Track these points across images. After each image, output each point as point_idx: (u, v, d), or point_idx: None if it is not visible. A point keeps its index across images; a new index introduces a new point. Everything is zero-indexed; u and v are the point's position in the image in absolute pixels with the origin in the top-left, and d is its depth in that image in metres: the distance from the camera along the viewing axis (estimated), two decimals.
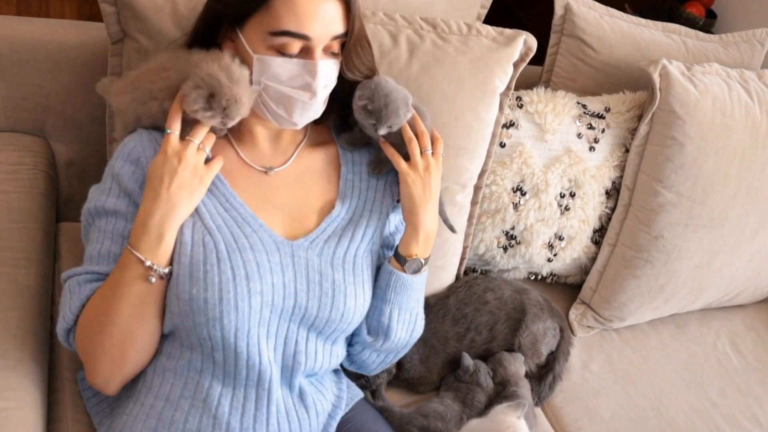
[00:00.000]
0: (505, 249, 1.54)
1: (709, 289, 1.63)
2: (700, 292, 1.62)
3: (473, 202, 1.45)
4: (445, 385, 1.37)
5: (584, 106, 1.52)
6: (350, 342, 1.20)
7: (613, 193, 1.56)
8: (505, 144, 1.47)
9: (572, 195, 1.52)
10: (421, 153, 1.14)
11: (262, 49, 1.02)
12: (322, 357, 1.11)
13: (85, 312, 1.01)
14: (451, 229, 1.26)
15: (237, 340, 1.01)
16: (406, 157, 1.14)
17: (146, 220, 0.98)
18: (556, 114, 1.49)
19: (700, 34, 1.67)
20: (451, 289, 1.46)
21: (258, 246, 1.04)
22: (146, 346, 1.04)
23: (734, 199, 1.52)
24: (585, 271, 1.64)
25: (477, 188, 1.44)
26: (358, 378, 1.28)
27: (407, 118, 1.12)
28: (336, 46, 1.05)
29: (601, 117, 1.53)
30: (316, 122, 1.14)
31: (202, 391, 1.03)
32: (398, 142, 1.15)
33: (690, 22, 2.19)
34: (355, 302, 1.10)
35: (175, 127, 1.01)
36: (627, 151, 1.54)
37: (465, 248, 1.49)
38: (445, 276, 1.47)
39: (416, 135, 1.14)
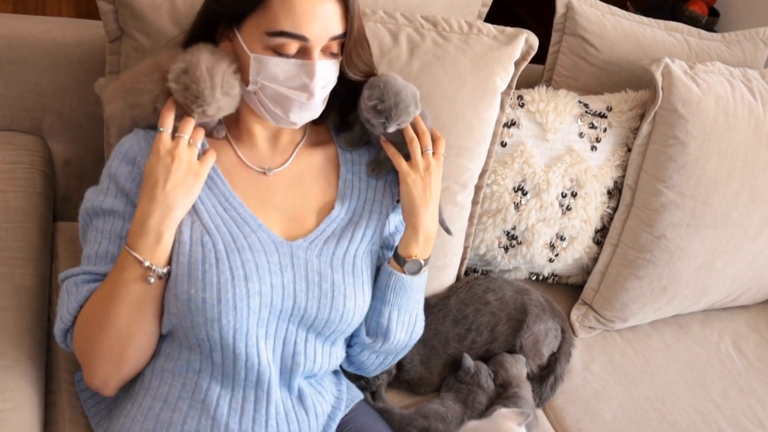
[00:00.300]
0: (506, 249, 1.53)
1: (711, 289, 1.63)
2: (703, 293, 1.62)
3: (474, 202, 1.45)
4: (445, 386, 1.37)
5: (586, 105, 1.52)
6: (349, 343, 1.20)
7: (615, 192, 1.56)
8: (506, 143, 1.46)
9: (574, 195, 1.51)
10: (422, 153, 1.14)
11: (259, 48, 1.01)
12: (321, 358, 1.11)
13: (83, 313, 1.01)
14: (447, 231, 1.26)
15: (235, 341, 1.01)
16: (407, 157, 1.14)
17: (144, 221, 0.98)
18: (558, 113, 1.48)
19: (703, 32, 1.67)
20: (451, 290, 1.46)
21: (257, 246, 1.04)
22: (144, 347, 1.04)
23: (737, 198, 1.51)
24: (587, 271, 1.63)
25: (478, 188, 1.44)
26: (357, 379, 1.28)
27: (416, 114, 1.12)
28: (335, 47, 1.05)
29: (602, 116, 1.52)
30: (315, 122, 1.13)
31: (201, 392, 1.03)
32: (399, 141, 1.14)
33: (692, 21, 2.19)
34: (354, 303, 1.10)
35: (167, 125, 1.01)
36: (629, 150, 1.54)
37: (466, 248, 1.49)
38: (446, 276, 1.46)
39: (417, 134, 1.14)
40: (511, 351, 1.40)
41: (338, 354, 1.16)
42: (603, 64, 1.58)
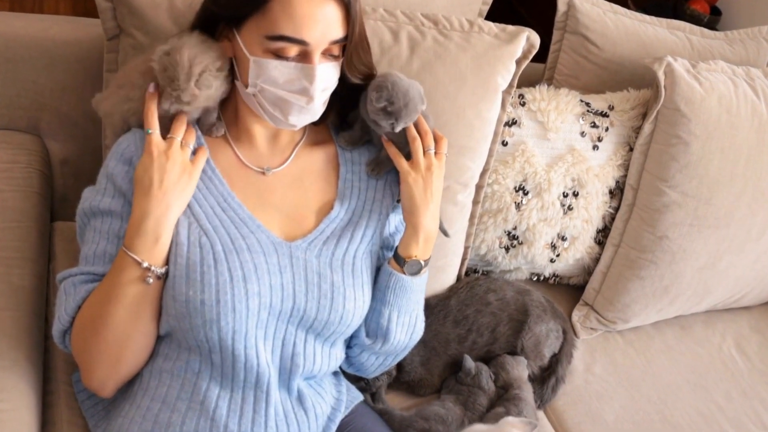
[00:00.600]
0: (507, 249, 1.53)
1: (714, 290, 1.62)
2: (706, 294, 1.62)
3: (475, 202, 1.44)
4: (446, 387, 1.37)
5: (588, 104, 1.52)
6: (348, 344, 1.20)
7: (616, 192, 1.56)
8: (507, 142, 1.46)
9: (575, 194, 1.50)
10: (424, 152, 1.13)
11: (258, 51, 1.01)
12: (321, 359, 1.11)
13: (81, 314, 1.01)
14: (445, 233, 1.25)
15: (234, 342, 1.01)
16: (408, 157, 1.14)
17: (141, 222, 0.98)
18: (559, 112, 1.48)
19: (705, 31, 1.67)
20: (452, 290, 1.45)
21: (255, 247, 1.04)
22: (142, 348, 1.04)
23: (740, 198, 1.51)
24: (588, 271, 1.63)
25: (479, 187, 1.43)
26: (357, 380, 1.28)
27: (423, 110, 1.13)
28: (336, 49, 1.04)
29: (604, 115, 1.52)
30: (315, 121, 1.12)
31: (200, 392, 1.02)
32: (400, 140, 1.14)
33: (694, 19, 2.18)
34: (354, 304, 1.09)
35: (154, 126, 1.01)
36: (631, 149, 1.54)
37: (466, 248, 1.49)
38: (446, 277, 1.46)
39: (419, 133, 1.13)
40: (512, 352, 1.39)
41: (338, 355, 1.15)
42: (605, 62, 1.58)
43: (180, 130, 1.02)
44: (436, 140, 1.15)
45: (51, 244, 1.38)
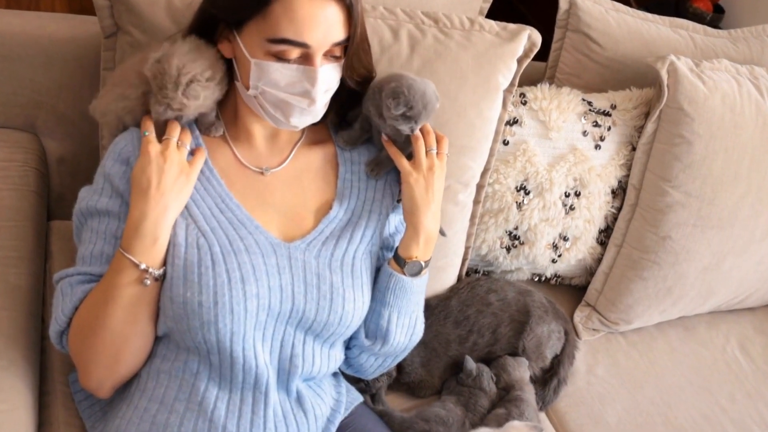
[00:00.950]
0: (509, 249, 1.52)
1: (717, 291, 1.62)
2: (709, 295, 1.61)
3: (476, 202, 1.44)
4: (446, 389, 1.36)
5: (590, 103, 1.51)
6: (348, 345, 1.19)
7: (619, 192, 1.55)
8: (508, 142, 1.45)
9: (577, 194, 1.50)
10: (426, 152, 1.13)
11: (260, 54, 1.01)
12: (320, 361, 1.11)
13: (78, 315, 1.01)
14: (442, 232, 1.25)
15: (232, 343, 1.01)
16: (409, 157, 1.13)
17: (139, 223, 0.98)
18: (561, 111, 1.47)
19: (709, 29, 1.68)
20: (452, 291, 1.45)
21: (253, 248, 1.04)
22: (140, 349, 1.03)
23: (744, 199, 1.50)
24: (590, 272, 1.62)
25: (479, 187, 1.43)
26: (357, 381, 1.28)
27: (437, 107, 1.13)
28: (338, 50, 1.04)
29: (607, 114, 1.51)
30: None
31: (198, 393, 1.02)
32: (401, 140, 1.13)
33: (697, 17, 2.18)
34: (353, 305, 1.09)
35: (150, 128, 1.02)
36: (634, 149, 1.53)
37: (467, 248, 1.48)
38: (447, 277, 1.46)
39: (422, 133, 1.13)
40: (514, 353, 1.39)
41: (337, 356, 1.15)
42: (607, 61, 1.57)
43: (175, 131, 1.03)
44: (437, 140, 1.15)
45: (48, 243, 1.38)
